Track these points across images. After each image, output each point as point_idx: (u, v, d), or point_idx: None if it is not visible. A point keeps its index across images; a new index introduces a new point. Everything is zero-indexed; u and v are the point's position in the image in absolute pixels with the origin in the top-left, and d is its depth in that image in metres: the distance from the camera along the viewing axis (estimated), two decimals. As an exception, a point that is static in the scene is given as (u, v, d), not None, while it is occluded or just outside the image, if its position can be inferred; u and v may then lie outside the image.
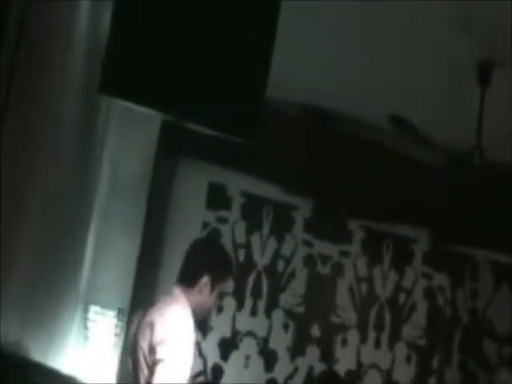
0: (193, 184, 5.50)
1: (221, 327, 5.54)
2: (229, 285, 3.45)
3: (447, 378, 6.05)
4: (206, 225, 5.58)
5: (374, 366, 5.91)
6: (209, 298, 3.40)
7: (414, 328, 6.05)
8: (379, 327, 5.98)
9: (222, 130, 2.90)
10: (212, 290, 3.39)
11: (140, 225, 4.66)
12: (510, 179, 5.70)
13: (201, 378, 5.43)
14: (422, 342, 6.05)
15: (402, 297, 6.09)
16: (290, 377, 5.66)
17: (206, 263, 3.41)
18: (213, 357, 5.46)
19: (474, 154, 4.45)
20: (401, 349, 6.00)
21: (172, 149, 5.11)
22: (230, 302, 5.61)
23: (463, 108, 4.71)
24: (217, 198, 5.63)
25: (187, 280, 3.41)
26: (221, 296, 3.43)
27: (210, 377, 5.46)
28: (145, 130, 4.61)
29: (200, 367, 5.42)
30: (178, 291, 3.40)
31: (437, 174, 5.43)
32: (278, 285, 5.80)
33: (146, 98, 2.81)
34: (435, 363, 6.04)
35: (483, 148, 4.44)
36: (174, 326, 3.22)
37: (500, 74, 4.47)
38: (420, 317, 6.09)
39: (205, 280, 3.36)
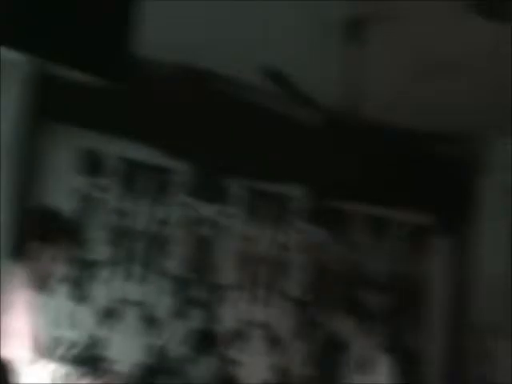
0: (64, 150, 5.06)
1: (99, 295, 5.15)
2: (63, 245, 3.03)
3: (330, 330, 5.88)
4: (81, 193, 5.13)
5: (257, 323, 5.66)
6: (42, 262, 3.02)
7: (295, 283, 5.84)
8: (261, 285, 5.73)
9: (90, 71, 2.54)
10: (42, 253, 3.01)
11: (7, 195, 4.16)
12: (385, 135, 5.50)
13: (77, 349, 5.02)
14: (304, 297, 5.83)
15: (283, 254, 5.85)
16: (173, 341, 5.31)
17: (28, 229, 3.02)
18: (91, 326, 5.06)
19: (350, 111, 4.20)
20: (282, 304, 5.78)
21: (40, 113, 4.62)
22: (110, 270, 5.21)
23: (339, 66, 4.44)
24: (91, 164, 5.19)
25: (17, 251, 3.02)
26: (55, 257, 3.03)
27: (88, 347, 5.06)
28: (10, 92, 4.10)
29: (77, 337, 5.02)
30: (13, 265, 3.02)
31: (313, 132, 5.21)
32: (159, 249, 5.43)
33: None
34: (318, 317, 5.84)
35: (358, 105, 4.20)
36: (9, 299, 2.84)
37: (373, 31, 4.22)
38: (301, 272, 5.86)
39: (33, 245, 2.98)
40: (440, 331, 6.09)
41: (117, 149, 5.26)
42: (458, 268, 6.16)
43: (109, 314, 5.17)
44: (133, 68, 2.59)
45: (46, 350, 2.96)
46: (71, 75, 2.53)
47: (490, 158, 5.93)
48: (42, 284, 3.00)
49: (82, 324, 5.04)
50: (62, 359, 4.76)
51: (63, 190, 5.02)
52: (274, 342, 5.69)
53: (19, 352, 2.79)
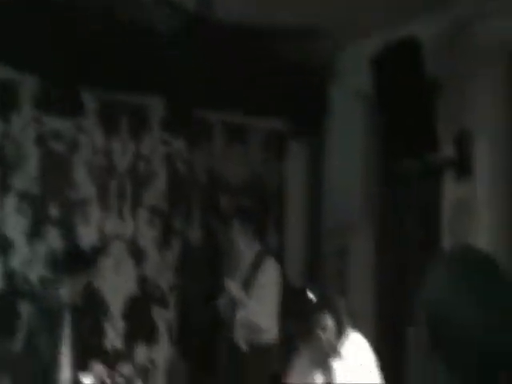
0: None
1: None
2: None
3: (190, 236, 5.76)
4: None
5: (118, 236, 5.44)
6: None
7: (154, 193, 5.64)
8: (120, 197, 5.48)
9: None
10: None
11: None
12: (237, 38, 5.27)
13: None
14: (163, 206, 5.66)
15: (141, 165, 5.62)
16: (29, 263, 5.01)
17: None
18: None
19: (203, 15, 3.93)
20: (143, 215, 5.56)
21: None
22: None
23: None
24: None
25: None
26: None
27: None
28: None
29: None
30: None
31: (168, 39, 4.91)
32: (9, 168, 5.04)
33: None
34: (177, 224, 5.68)
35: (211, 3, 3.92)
36: None
37: None
38: (160, 182, 5.68)
39: None
40: (299, 231, 6.12)
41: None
42: (314, 171, 6.17)
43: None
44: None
45: None
46: None
47: (342, 61, 5.85)
48: None
49: None
50: None
51: None
52: (137, 254, 5.50)
53: None
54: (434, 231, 4.89)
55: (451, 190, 4.79)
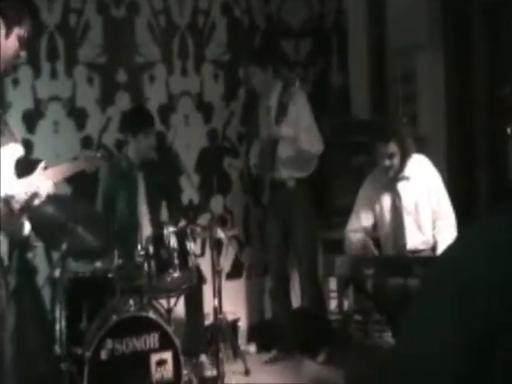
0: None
1: (21, 99, 4.80)
2: (28, 24, 2.69)
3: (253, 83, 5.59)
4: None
5: (185, 93, 5.39)
6: (5, 42, 2.68)
7: (216, 46, 5.49)
8: (183, 55, 5.37)
9: None
10: (8, 33, 2.68)
11: None
12: None
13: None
14: (226, 58, 5.52)
15: (200, 19, 5.43)
16: (104, 129, 5.05)
17: None
18: (18, 132, 4.72)
19: None
20: (207, 70, 5.47)
21: None
22: (25, 71, 4.80)
23: None
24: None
25: None
26: (21, 40, 2.70)
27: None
28: None
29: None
30: None
31: None
32: (72, 41, 4.97)
33: None
34: (241, 74, 5.54)
35: None
36: None
37: None
38: (221, 33, 5.51)
39: None
40: (363, 64, 5.83)
41: None
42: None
43: (35, 117, 4.84)
44: None
45: None
46: None
47: None
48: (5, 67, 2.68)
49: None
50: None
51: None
52: (204, 108, 5.44)
53: None
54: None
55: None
